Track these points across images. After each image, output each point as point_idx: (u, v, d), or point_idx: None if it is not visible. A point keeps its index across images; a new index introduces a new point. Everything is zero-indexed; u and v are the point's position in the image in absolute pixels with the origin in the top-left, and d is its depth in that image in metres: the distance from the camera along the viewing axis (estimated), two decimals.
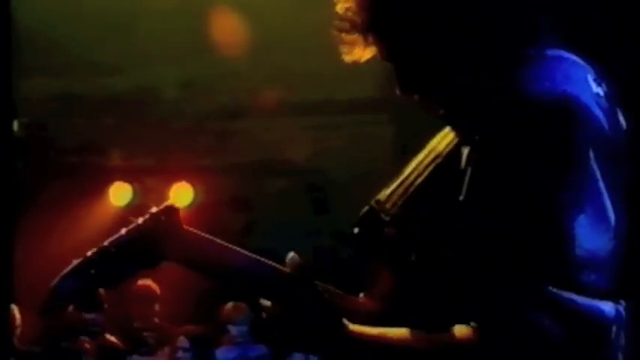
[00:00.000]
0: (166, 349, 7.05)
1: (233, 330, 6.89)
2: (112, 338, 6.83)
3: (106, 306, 6.67)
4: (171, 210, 1.75)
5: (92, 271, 1.72)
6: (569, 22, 1.75)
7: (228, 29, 6.36)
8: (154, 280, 7.39)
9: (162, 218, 1.74)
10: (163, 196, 8.34)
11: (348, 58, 1.79)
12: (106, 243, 1.74)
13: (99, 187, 8.74)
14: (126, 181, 8.75)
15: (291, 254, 1.71)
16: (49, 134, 7.98)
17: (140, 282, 7.30)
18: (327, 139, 8.18)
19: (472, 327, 1.59)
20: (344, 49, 1.78)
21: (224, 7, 6.27)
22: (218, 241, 1.74)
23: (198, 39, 6.48)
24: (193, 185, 8.77)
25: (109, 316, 6.84)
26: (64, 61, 7.10)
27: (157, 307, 7.37)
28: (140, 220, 1.76)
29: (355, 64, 1.80)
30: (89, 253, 1.73)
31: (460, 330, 1.60)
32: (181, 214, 1.76)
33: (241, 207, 8.95)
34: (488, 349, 1.56)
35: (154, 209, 1.77)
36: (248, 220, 8.79)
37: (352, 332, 1.66)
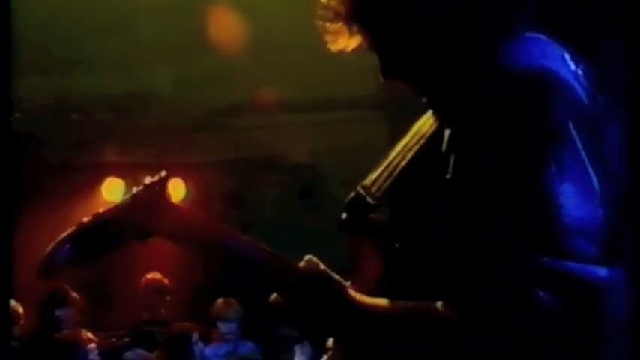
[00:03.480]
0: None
1: (222, 327, 6.88)
2: (88, 334, 6.83)
3: (76, 296, 6.68)
4: (165, 181, 1.78)
5: (87, 238, 1.74)
6: (549, 10, 1.78)
7: (224, 28, 6.36)
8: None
9: (157, 189, 1.77)
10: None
11: (333, 47, 1.80)
12: (101, 211, 1.77)
13: (92, 182, 8.75)
14: (119, 176, 8.76)
15: (308, 257, 1.73)
16: (44, 131, 7.98)
17: (150, 275, 7.34)
18: (323, 136, 8.18)
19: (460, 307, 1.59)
20: (328, 38, 1.79)
21: (221, 6, 6.27)
22: (207, 217, 1.76)
23: (194, 38, 6.48)
24: (186, 181, 8.78)
25: (82, 311, 6.86)
26: (60, 60, 7.10)
27: (167, 298, 7.40)
28: (135, 190, 1.79)
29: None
30: (85, 220, 1.76)
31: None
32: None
33: (235, 203, 8.95)
34: (483, 328, 1.56)
35: (148, 180, 1.79)
36: (241, 216, 8.79)
37: (356, 301, 1.67)
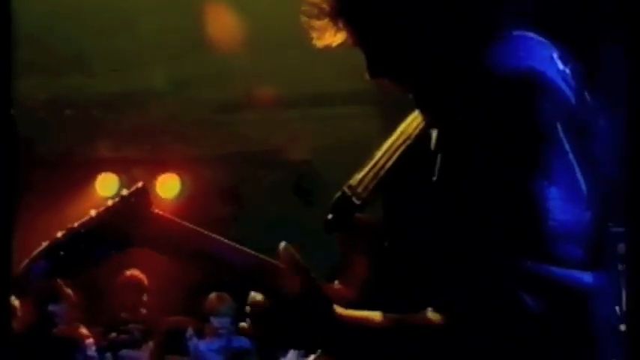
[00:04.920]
0: (151, 343, 7.05)
1: (215, 321, 6.88)
2: (83, 330, 6.83)
3: (70, 292, 6.68)
4: (142, 192, 1.74)
5: (61, 253, 1.71)
6: (537, 5, 1.77)
7: (221, 25, 6.35)
8: (141, 271, 7.42)
9: (132, 200, 1.73)
10: (150, 187, 8.32)
11: (319, 43, 1.79)
12: (75, 224, 1.73)
13: (86, 178, 8.74)
14: (113, 172, 8.75)
15: (283, 244, 1.70)
16: (37, 127, 7.97)
17: (128, 272, 7.31)
18: (319, 132, 8.18)
19: (448, 311, 1.58)
20: (314, 34, 1.78)
21: (218, 3, 6.26)
22: (189, 225, 1.73)
23: (191, 35, 6.48)
24: (180, 176, 8.78)
25: (77, 307, 6.86)
26: (56, 57, 7.09)
27: (144, 297, 7.38)
28: (110, 203, 1.75)
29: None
30: (59, 235, 1.72)
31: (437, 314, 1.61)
32: (165, 203, 1.75)
33: (229, 199, 8.95)
34: (468, 333, 1.56)
35: (124, 192, 1.76)
36: (235, 211, 8.79)
37: (342, 317, 1.65)
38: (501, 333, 1.53)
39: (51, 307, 6.58)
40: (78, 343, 6.58)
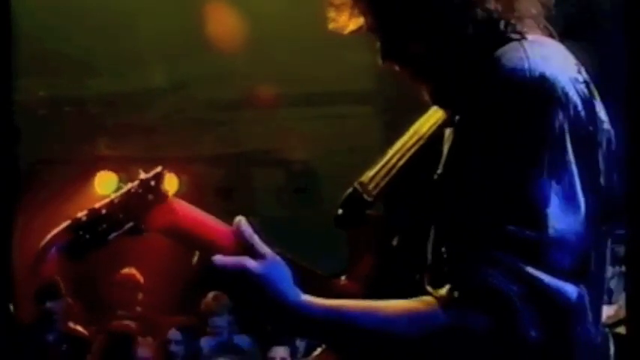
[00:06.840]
0: (149, 339, 7.05)
1: (214, 321, 6.89)
2: (78, 327, 6.82)
3: (64, 293, 6.68)
4: (160, 177, 1.77)
5: (81, 232, 1.72)
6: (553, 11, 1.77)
7: (220, 25, 6.36)
8: (139, 270, 7.43)
9: (152, 184, 1.76)
10: None
11: (332, 25, 1.79)
12: (96, 206, 1.74)
13: (84, 176, 8.73)
14: (111, 170, 8.74)
15: (238, 218, 1.69)
16: (36, 124, 7.97)
17: (124, 270, 7.33)
18: (318, 131, 8.18)
19: (436, 297, 1.58)
20: (331, 13, 1.78)
21: (218, 5, 6.26)
22: (205, 214, 1.75)
23: (191, 35, 6.48)
24: (178, 175, 8.77)
25: (72, 304, 6.86)
26: (56, 59, 7.09)
27: (140, 295, 7.39)
28: (129, 185, 1.77)
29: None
30: (79, 215, 1.73)
31: (423, 300, 1.60)
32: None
33: (226, 197, 8.94)
34: (453, 319, 1.56)
35: (143, 175, 1.78)
36: (233, 210, 8.78)
37: (306, 301, 1.61)
38: (481, 318, 1.53)
39: (49, 304, 6.58)
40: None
